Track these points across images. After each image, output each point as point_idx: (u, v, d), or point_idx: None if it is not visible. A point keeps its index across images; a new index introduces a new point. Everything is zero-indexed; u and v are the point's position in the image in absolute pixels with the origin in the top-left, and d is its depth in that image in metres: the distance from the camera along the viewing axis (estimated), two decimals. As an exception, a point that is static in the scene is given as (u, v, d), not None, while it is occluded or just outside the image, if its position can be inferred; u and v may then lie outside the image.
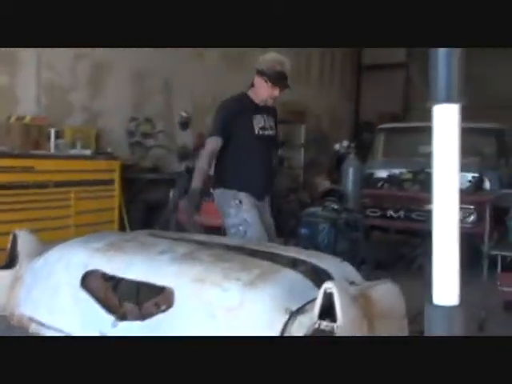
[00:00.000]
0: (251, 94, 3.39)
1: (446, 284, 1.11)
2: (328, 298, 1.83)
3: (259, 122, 3.36)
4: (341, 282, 2.07)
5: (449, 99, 1.04)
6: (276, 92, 3.29)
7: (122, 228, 5.47)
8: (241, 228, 3.30)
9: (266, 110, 3.41)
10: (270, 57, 3.31)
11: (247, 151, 3.37)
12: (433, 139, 1.06)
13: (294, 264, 2.31)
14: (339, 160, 5.96)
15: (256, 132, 3.35)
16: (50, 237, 4.57)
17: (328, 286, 1.83)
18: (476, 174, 6.22)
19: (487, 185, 6.29)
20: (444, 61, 1.03)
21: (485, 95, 10.90)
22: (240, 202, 3.35)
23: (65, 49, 5.62)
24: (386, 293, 2.28)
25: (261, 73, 3.30)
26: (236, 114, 3.32)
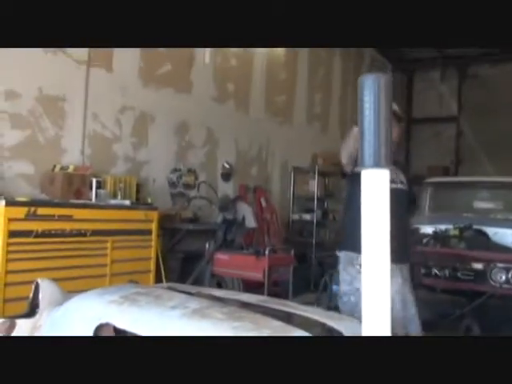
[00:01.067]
0: None
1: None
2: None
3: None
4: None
5: (377, 164, 1.07)
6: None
7: (158, 278, 5.46)
8: (352, 298, 3.07)
9: (394, 163, 3.26)
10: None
11: None
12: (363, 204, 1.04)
13: (308, 325, 2.20)
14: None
15: None
16: (85, 285, 4.62)
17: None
18: (525, 231, 5.91)
19: (540, 243, 5.95)
20: (371, 127, 1.02)
21: None
22: (360, 268, 3.10)
23: (111, 101, 5.85)
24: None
25: None
26: None
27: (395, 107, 3.14)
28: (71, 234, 4.67)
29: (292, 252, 5.39)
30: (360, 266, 2.98)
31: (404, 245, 3.16)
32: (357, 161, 2.91)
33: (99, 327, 2.40)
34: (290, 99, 8.73)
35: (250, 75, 8.00)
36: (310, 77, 9.05)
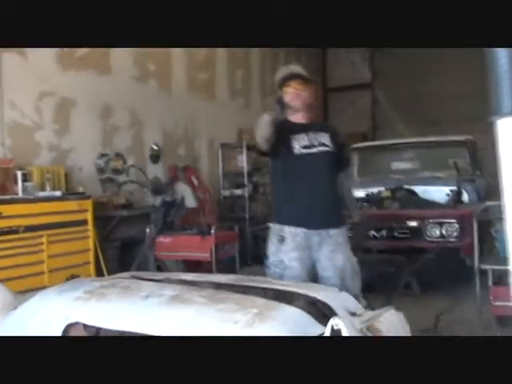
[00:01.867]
0: (288, 116, 3.15)
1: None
2: (336, 335, 1.69)
3: (301, 141, 3.05)
4: (347, 317, 1.93)
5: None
6: (292, 92, 3.04)
7: (98, 269, 5.24)
8: (277, 270, 3.02)
9: (314, 127, 3.14)
10: (277, 72, 3.16)
11: (288, 175, 3.07)
12: (499, 156, 0.89)
13: (291, 298, 2.16)
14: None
15: (296, 151, 3.03)
16: (23, 285, 4.34)
17: (335, 322, 1.69)
18: (454, 188, 6.21)
19: (466, 197, 6.29)
20: (507, 64, 0.83)
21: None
22: (282, 239, 3.04)
23: (26, 87, 5.46)
24: (392, 321, 2.16)
25: (278, 87, 3.12)
26: (280, 131, 2.97)
27: (299, 69, 3.12)
28: (2, 232, 4.35)
29: (236, 228, 5.34)
30: (282, 238, 3.01)
31: (334, 209, 3.13)
32: (273, 144, 2.91)
33: (67, 328, 2.23)
34: (211, 75, 8.57)
35: (169, 52, 7.75)
36: (230, 52, 8.93)
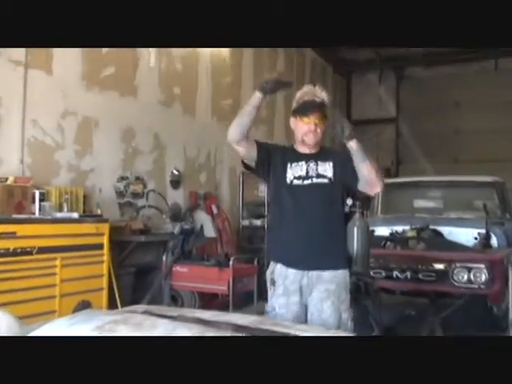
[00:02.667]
0: (295, 145, 2.87)
1: None
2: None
3: (297, 170, 2.75)
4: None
5: None
6: (308, 126, 2.70)
7: (111, 296, 5.07)
8: (271, 317, 2.74)
9: (317, 156, 2.79)
10: (300, 92, 2.81)
11: (280, 206, 2.77)
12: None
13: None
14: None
15: (287, 182, 2.74)
16: (32, 309, 4.20)
17: None
18: (482, 230, 5.96)
19: (494, 241, 6.02)
20: None
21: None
22: (273, 282, 2.76)
23: (52, 106, 5.40)
24: None
25: (292, 112, 2.81)
26: (276, 155, 2.76)
27: (324, 98, 2.75)
28: (15, 252, 4.21)
29: (256, 261, 5.15)
30: (273, 281, 2.74)
31: (330, 248, 2.77)
32: (247, 137, 2.61)
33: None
34: (236, 103, 8.49)
35: (195, 78, 7.71)
36: (255, 79, 8.86)
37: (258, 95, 2.63)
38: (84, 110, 5.81)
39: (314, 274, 2.69)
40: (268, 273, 2.81)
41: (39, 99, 5.28)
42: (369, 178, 2.63)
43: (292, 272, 2.71)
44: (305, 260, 2.70)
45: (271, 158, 2.76)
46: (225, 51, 8.38)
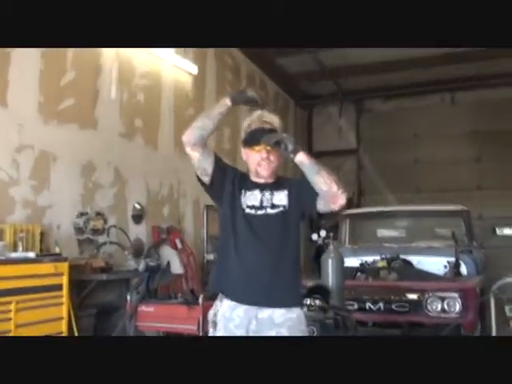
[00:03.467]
0: (249, 174, 2.64)
1: None
2: None
3: (251, 199, 2.52)
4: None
5: None
6: (260, 154, 2.48)
7: (70, 340, 4.73)
8: None
9: (272, 186, 2.56)
10: (247, 120, 2.58)
11: (230, 234, 2.50)
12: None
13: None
14: (318, 251, 5.52)
15: (242, 211, 2.50)
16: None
17: None
18: (452, 259, 5.92)
19: (464, 269, 5.99)
20: None
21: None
22: (214, 324, 2.48)
23: (6, 139, 5.13)
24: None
25: (242, 143, 2.59)
26: (231, 177, 2.54)
27: (277, 125, 2.54)
28: (-35, 297, 3.88)
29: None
30: (214, 317, 2.47)
31: (286, 282, 2.47)
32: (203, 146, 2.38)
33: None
34: (198, 135, 8.36)
35: (157, 110, 7.55)
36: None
37: (227, 102, 2.45)
38: (41, 144, 5.53)
39: (264, 316, 2.41)
40: (211, 314, 2.52)
41: (-8, 132, 5.01)
42: (328, 192, 2.35)
43: (238, 315, 2.42)
44: (255, 293, 2.42)
45: (226, 179, 2.52)
46: (188, 83, 8.28)
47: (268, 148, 2.47)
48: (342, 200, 2.38)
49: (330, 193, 2.35)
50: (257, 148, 2.49)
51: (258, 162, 2.50)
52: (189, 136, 2.42)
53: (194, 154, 2.43)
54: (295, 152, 2.36)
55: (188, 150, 2.43)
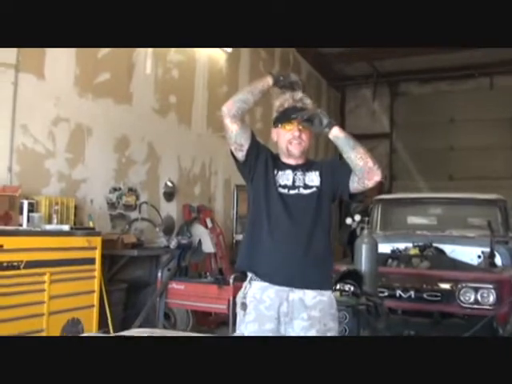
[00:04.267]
0: (280, 156, 2.59)
1: None
2: None
3: (283, 179, 2.47)
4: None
5: None
6: (292, 132, 2.44)
7: (102, 313, 4.78)
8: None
9: (303, 166, 2.52)
10: (279, 100, 2.53)
11: (262, 213, 2.45)
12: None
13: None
14: (351, 236, 5.45)
15: (273, 189, 2.46)
16: (18, 328, 3.91)
17: None
18: (486, 249, 5.78)
19: (499, 260, 5.85)
20: None
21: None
22: (244, 306, 2.41)
23: (43, 111, 5.14)
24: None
25: (273, 123, 2.56)
26: (264, 156, 2.49)
27: (309, 104, 2.48)
28: (1, 267, 3.92)
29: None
30: (244, 301, 2.40)
31: (318, 264, 2.43)
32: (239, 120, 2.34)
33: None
34: (231, 113, 8.30)
35: (191, 87, 7.50)
36: (251, 90, 8.67)
37: (269, 81, 2.44)
38: (77, 117, 5.55)
39: (295, 298, 2.37)
40: (239, 296, 2.46)
41: (30, 104, 5.02)
42: (364, 167, 2.31)
43: (269, 296, 2.37)
44: (288, 274, 2.38)
45: (260, 157, 2.48)
46: (222, 60, 8.19)
47: (300, 127, 2.44)
48: (377, 176, 2.34)
49: (365, 168, 2.32)
50: (288, 127, 2.46)
51: (289, 139, 2.46)
52: (229, 107, 2.38)
53: (233, 127, 2.39)
54: (330, 126, 2.35)
55: (227, 121, 2.39)
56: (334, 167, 2.50)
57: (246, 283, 2.47)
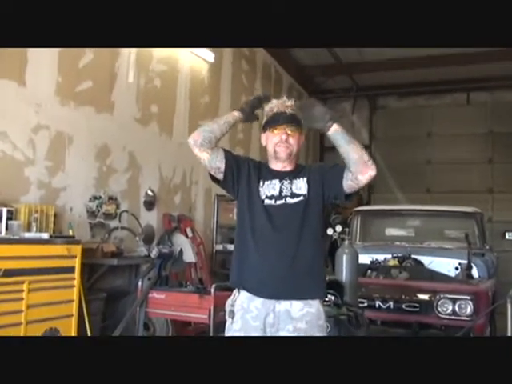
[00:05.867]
0: (268, 162, 2.62)
1: None
2: None
3: (270, 189, 2.48)
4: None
5: None
6: (279, 135, 2.47)
7: (81, 323, 4.72)
8: None
9: (291, 174, 2.52)
10: (268, 105, 2.56)
11: (248, 227, 2.45)
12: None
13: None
14: (332, 246, 5.49)
15: (261, 202, 2.46)
16: (-5, 337, 3.84)
17: None
18: (464, 261, 5.88)
19: (475, 272, 5.95)
20: None
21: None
22: (231, 313, 2.43)
23: (23, 119, 5.10)
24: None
25: (262, 128, 2.58)
26: (246, 169, 2.53)
27: (297, 110, 2.52)
28: (-22, 275, 3.86)
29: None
30: (232, 309, 2.42)
31: (306, 274, 2.41)
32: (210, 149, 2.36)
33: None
34: (213, 124, 8.31)
35: (173, 97, 7.50)
36: (233, 102, 8.71)
37: (235, 114, 2.52)
38: (57, 125, 5.50)
39: (281, 309, 2.37)
40: (228, 303, 2.48)
41: (10, 111, 4.97)
42: (359, 159, 2.32)
43: (256, 306, 2.38)
44: (273, 285, 2.38)
45: (240, 172, 2.51)
46: (204, 70, 8.22)
47: (288, 131, 2.48)
48: (372, 170, 2.35)
49: (360, 160, 2.33)
50: (276, 131, 2.49)
51: (277, 143, 2.49)
52: (195, 137, 2.43)
53: (203, 155, 2.43)
54: (332, 121, 2.38)
55: (196, 151, 2.43)
56: (324, 172, 2.51)
57: (235, 291, 2.49)
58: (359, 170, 2.34)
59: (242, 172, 2.51)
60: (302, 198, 2.46)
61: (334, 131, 2.38)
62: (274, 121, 2.51)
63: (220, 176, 2.49)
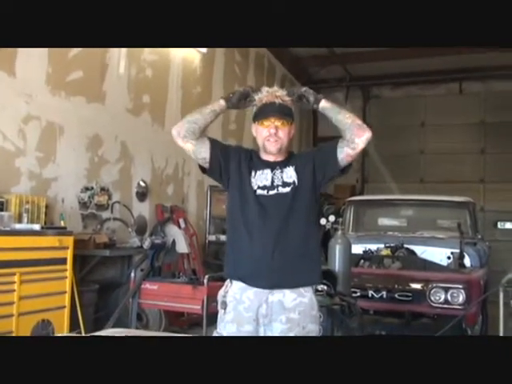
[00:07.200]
0: (259, 152, 2.59)
1: None
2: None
3: (262, 179, 2.45)
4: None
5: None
6: (268, 129, 2.43)
7: (73, 315, 4.71)
8: None
9: (281, 163, 2.50)
10: (258, 95, 2.52)
11: (240, 217, 2.43)
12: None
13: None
14: (325, 236, 5.49)
15: (254, 192, 2.44)
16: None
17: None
18: (456, 250, 5.90)
19: (468, 261, 5.98)
20: None
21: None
22: (224, 304, 2.42)
23: (14, 109, 5.05)
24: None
25: (252, 118, 2.55)
26: (236, 158, 2.51)
27: (287, 102, 2.46)
28: (-31, 267, 3.84)
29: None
30: (224, 300, 2.40)
31: (294, 263, 2.39)
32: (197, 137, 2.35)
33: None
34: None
35: (165, 87, 7.45)
36: (225, 92, 8.59)
37: (221, 103, 2.49)
38: (48, 115, 5.45)
39: (274, 300, 2.36)
40: (220, 294, 2.46)
41: (0, 102, 4.92)
42: (353, 123, 2.38)
43: (248, 297, 2.37)
44: (264, 277, 2.36)
45: (229, 162, 2.49)
46: (196, 60, 8.17)
47: (277, 123, 2.44)
48: (368, 132, 2.37)
49: (354, 124, 2.38)
50: (266, 123, 2.45)
51: (266, 137, 2.45)
52: (178, 128, 2.42)
53: (187, 145, 2.42)
54: (317, 102, 2.47)
55: (179, 142, 2.43)
56: (313, 154, 2.54)
57: (227, 281, 2.47)
58: (355, 133, 2.36)
59: (232, 162, 2.49)
60: (292, 186, 2.45)
61: (323, 108, 2.46)
62: (263, 112, 2.47)
63: (207, 166, 2.48)
